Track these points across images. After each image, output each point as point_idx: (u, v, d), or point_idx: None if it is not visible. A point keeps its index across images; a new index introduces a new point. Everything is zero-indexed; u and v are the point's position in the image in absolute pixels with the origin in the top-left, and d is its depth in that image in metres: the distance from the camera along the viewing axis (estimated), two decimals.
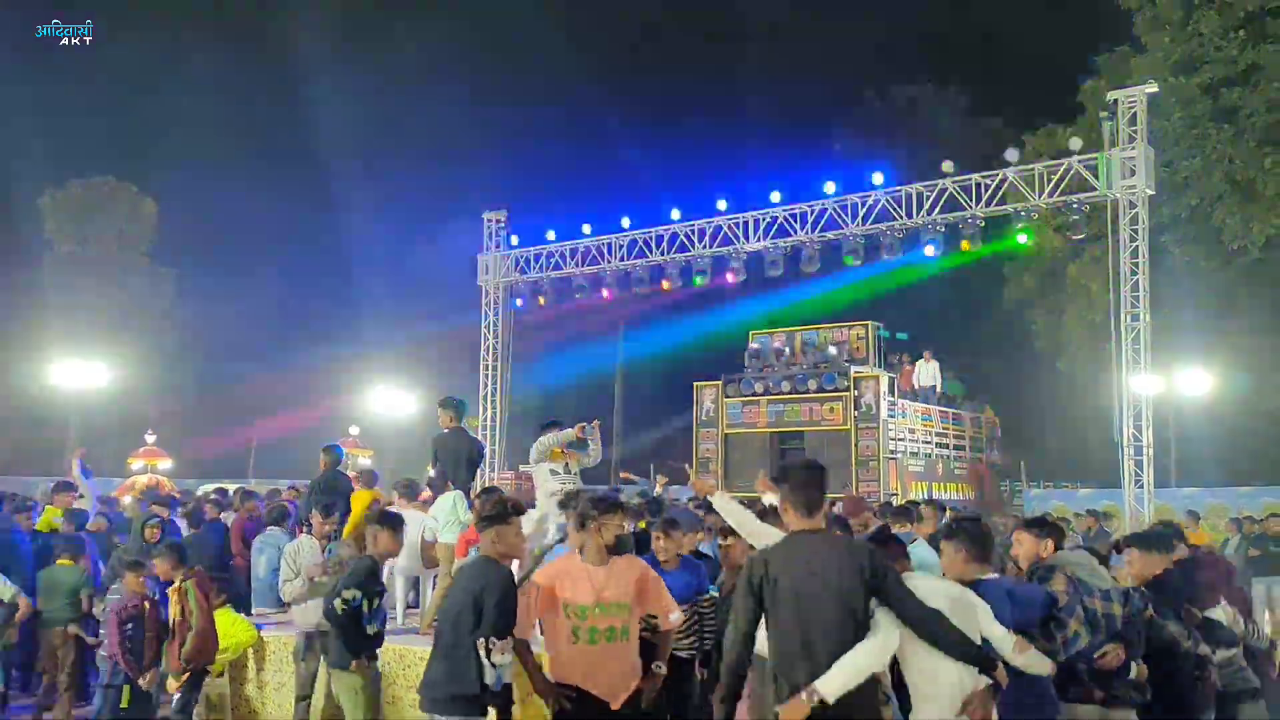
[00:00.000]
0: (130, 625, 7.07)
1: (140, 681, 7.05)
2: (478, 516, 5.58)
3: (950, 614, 4.04)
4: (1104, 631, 4.84)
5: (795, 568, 3.97)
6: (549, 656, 5.14)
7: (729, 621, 4.28)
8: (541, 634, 5.20)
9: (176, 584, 7.07)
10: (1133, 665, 4.94)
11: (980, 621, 4.23)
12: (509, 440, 22.37)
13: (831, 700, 3.75)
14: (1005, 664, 4.18)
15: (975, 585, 4.45)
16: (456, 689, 4.98)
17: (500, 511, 5.29)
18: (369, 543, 6.12)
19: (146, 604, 7.18)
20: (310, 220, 39.15)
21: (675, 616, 5.32)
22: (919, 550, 7.96)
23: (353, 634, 5.82)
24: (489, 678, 4.94)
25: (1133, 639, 4.97)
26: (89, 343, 31.19)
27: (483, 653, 4.91)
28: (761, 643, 4.11)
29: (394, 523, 6.22)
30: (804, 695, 3.77)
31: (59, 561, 8.43)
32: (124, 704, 7.12)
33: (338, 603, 5.72)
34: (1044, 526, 5.37)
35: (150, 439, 24.70)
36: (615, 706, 4.94)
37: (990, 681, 4.05)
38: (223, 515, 12.02)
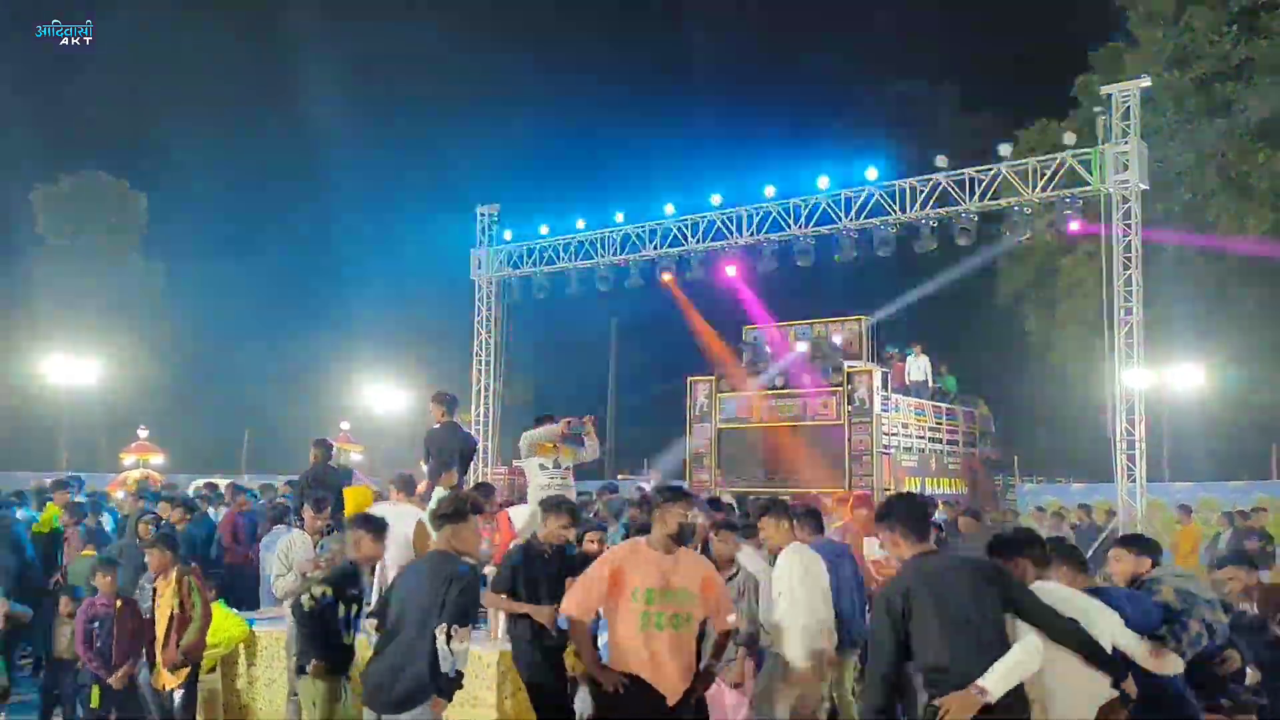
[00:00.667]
0: (96, 624, 7.00)
1: (111, 680, 6.96)
2: (433, 515, 5.46)
3: (1084, 624, 4.22)
4: (1219, 638, 4.95)
5: (931, 589, 4.20)
6: (610, 644, 5.09)
7: (871, 648, 4.45)
8: (601, 617, 5.18)
9: (173, 577, 6.89)
10: (1248, 670, 5.12)
11: (1112, 630, 4.37)
12: (503, 435, 22.33)
13: (994, 699, 3.96)
14: (1135, 672, 4.33)
15: (1093, 593, 4.62)
16: (413, 684, 4.91)
17: (458, 509, 5.27)
18: (350, 546, 5.96)
19: (119, 603, 7.08)
20: (302, 214, 39.11)
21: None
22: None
23: (317, 634, 5.62)
24: (444, 665, 4.88)
25: (1242, 646, 5.17)
26: (80, 337, 31.09)
27: (442, 639, 4.87)
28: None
29: (377, 527, 6.06)
30: (972, 691, 3.97)
31: (84, 553, 8.78)
32: (94, 703, 7.07)
33: (305, 598, 5.56)
34: (1142, 544, 5.40)
35: (143, 434, 24.62)
36: (672, 703, 4.91)
37: (1118, 693, 4.20)
38: (210, 510, 11.99)
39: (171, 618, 6.84)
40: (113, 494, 16.74)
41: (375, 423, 31.44)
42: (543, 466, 8.22)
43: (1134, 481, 15.06)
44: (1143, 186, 15.32)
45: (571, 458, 8.54)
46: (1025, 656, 4.03)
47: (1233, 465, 22.54)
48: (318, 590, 5.58)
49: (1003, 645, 4.06)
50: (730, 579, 6.68)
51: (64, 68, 34.71)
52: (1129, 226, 15.22)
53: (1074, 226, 16.40)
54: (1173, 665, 4.54)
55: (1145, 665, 4.41)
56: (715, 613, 5.18)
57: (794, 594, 6.15)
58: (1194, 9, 22.30)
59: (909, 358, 20.23)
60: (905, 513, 4.47)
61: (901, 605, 4.19)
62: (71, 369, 28.67)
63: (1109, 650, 4.26)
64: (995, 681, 3.96)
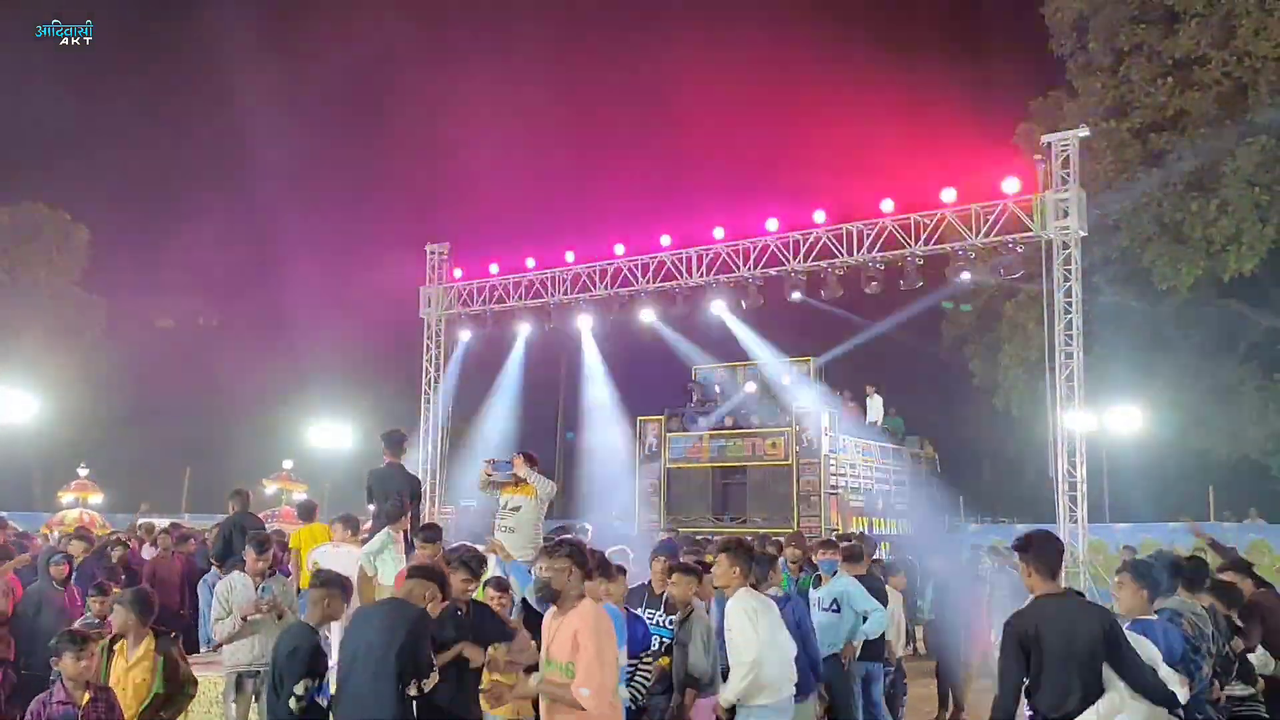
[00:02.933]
0: None
1: None
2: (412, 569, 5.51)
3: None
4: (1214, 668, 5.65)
5: (1055, 626, 4.71)
6: None
7: (1000, 673, 4.88)
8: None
9: (145, 646, 5.89)
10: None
11: (1155, 664, 4.95)
12: (451, 474, 22.13)
13: None
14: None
15: (1137, 624, 5.22)
16: None
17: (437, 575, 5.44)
18: (317, 608, 5.51)
19: (85, 696, 5.33)
20: (246, 249, 38.56)
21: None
22: (842, 581, 8.08)
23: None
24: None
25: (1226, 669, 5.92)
26: (17, 373, 30.33)
27: (413, 691, 4.88)
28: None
29: (346, 588, 5.80)
30: None
31: None
32: None
33: (293, 703, 5.08)
34: (1144, 573, 5.73)
35: (83, 472, 24.02)
36: None
37: None
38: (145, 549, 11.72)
39: (156, 697, 5.83)
40: (47, 535, 16.31)
41: (319, 461, 30.97)
42: (499, 505, 8.34)
43: (1075, 522, 15.29)
44: (1082, 233, 15.69)
45: (520, 494, 8.51)
46: (1111, 705, 4.61)
47: (1171, 506, 22.92)
48: (301, 689, 5.09)
49: (1099, 687, 4.63)
50: (683, 621, 6.65)
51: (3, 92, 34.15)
52: (1069, 272, 15.54)
53: (1011, 273, 16.74)
54: (1184, 696, 5.02)
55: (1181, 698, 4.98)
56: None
57: (757, 640, 5.97)
58: (1131, 61, 22.98)
59: (866, 399, 20.48)
60: (1041, 551, 4.93)
61: (1030, 640, 4.70)
62: (6, 404, 27.95)
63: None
64: None
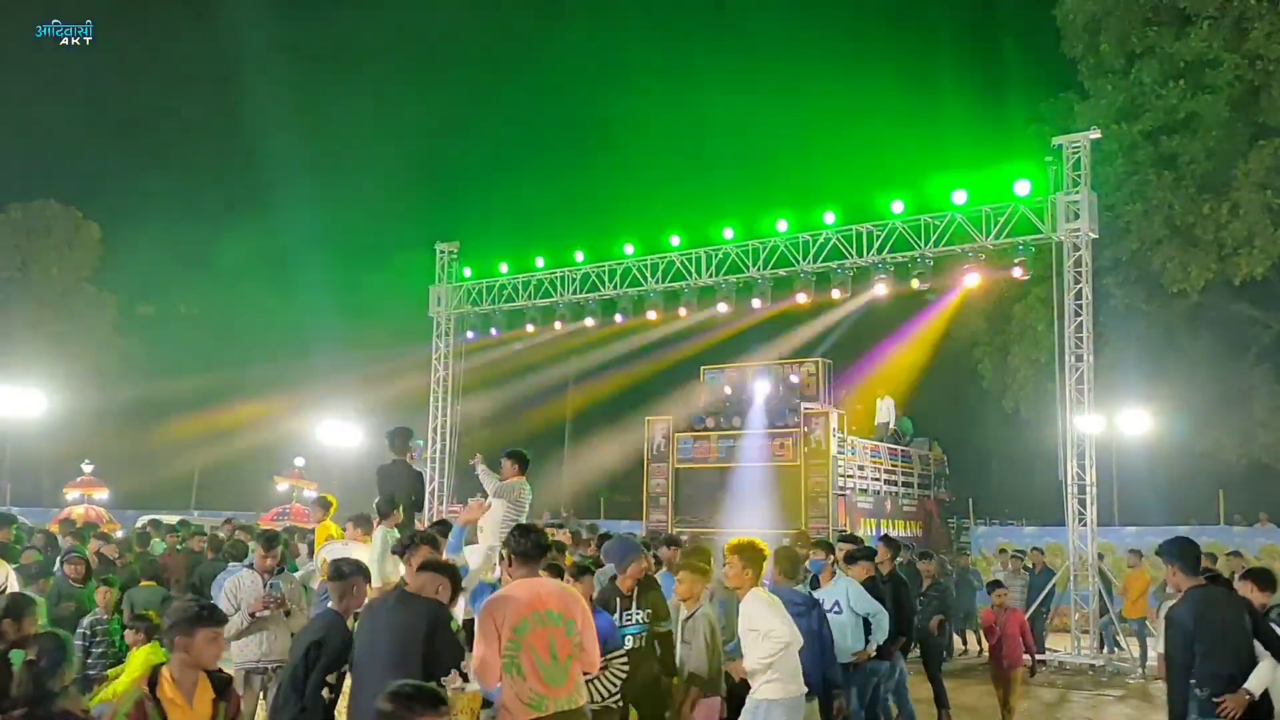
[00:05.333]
0: None
1: None
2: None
3: None
4: None
5: (1214, 613, 5.73)
6: None
7: (1167, 655, 5.86)
8: None
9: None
10: None
11: None
12: (459, 472, 22.14)
13: (1256, 698, 5.59)
14: None
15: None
16: None
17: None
18: (341, 596, 5.45)
19: None
20: (258, 246, 38.68)
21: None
22: (842, 584, 8.04)
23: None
24: None
25: None
26: (26, 369, 30.44)
27: (458, 685, 4.90)
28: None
29: (368, 575, 5.81)
30: (1243, 693, 5.55)
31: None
32: None
33: (326, 693, 5.02)
34: (1266, 577, 6.66)
35: (88, 468, 24.08)
36: None
37: None
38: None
39: None
40: (55, 531, 16.35)
41: (330, 459, 31.04)
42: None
43: (1084, 525, 15.23)
44: (1093, 235, 15.64)
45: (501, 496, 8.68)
46: (1270, 669, 5.64)
47: (1181, 510, 22.86)
48: (332, 679, 5.04)
49: (1252, 658, 5.66)
50: (689, 618, 6.65)
51: (12, 95, 34.35)
52: (1079, 274, 15.50)
53: (1022, 274, 16.71)
54: None
55: None
56: None
57: (770, 636, 5.96)
58: (1142, 63, 22.90)
59: (878, 400, 20.45)
60: (1181, 553, 5.91)
61: (1192, 625, 5.65)
62: (17, 401, 28.05)
63: None
64: (1256, 686, 5.57)
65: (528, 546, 5.02)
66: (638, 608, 6.65)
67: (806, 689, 6.22)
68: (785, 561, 7.08)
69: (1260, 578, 6.62)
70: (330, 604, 5.59)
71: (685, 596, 6.67)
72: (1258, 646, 5.78)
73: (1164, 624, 5.93)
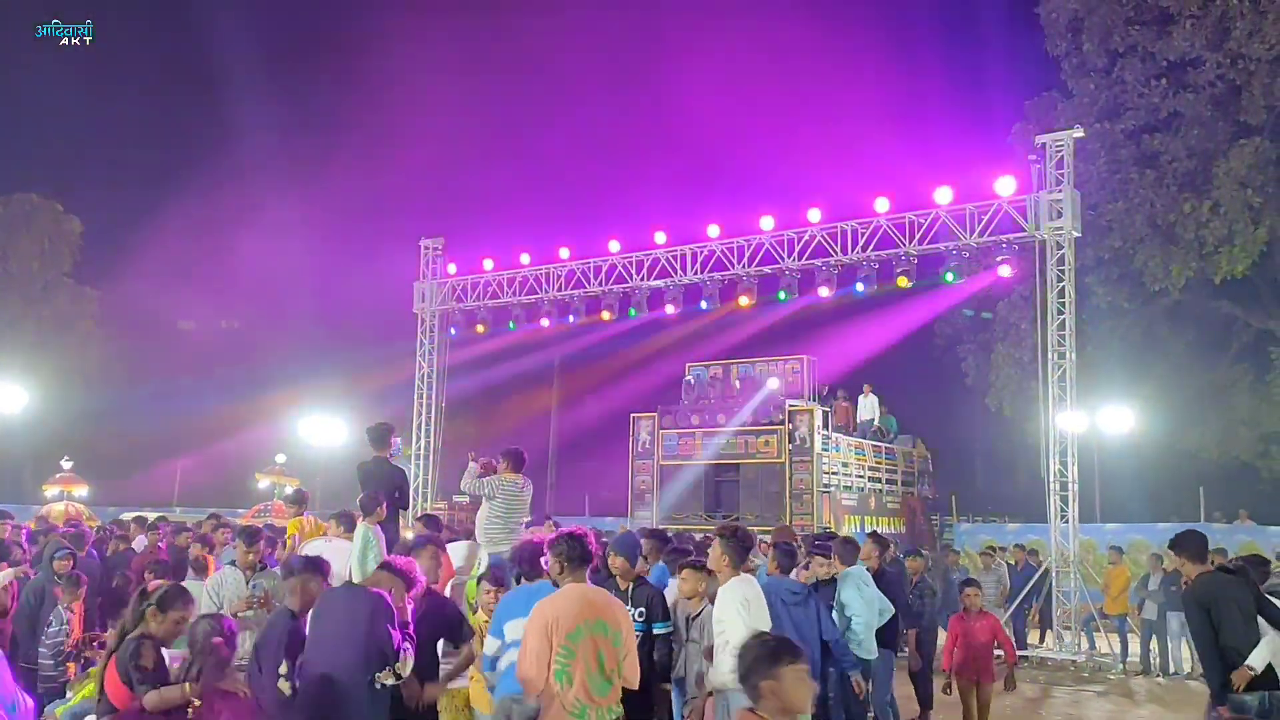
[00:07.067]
0: None
1: None
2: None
3: None
4: None
5: (1224, 593, 6.38)
6: None
7: (1194, 635, 6.64)
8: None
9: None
10: None
11: None
12: (444, 469, 22.09)
13: (1260, 670, 6.14)
14: None
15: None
16: None
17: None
18: (295, 595, 5.40)
19: None
20: (241, 243, 38.46)
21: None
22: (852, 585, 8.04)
23: None
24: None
25: None
26: (6, 364, 30.21)
27: (390, 681, 4.90)
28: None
29: (323, 571, 5.67)
30: (1246, 668, 6.11)
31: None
32: None
33: (283, 684, 4.95)
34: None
35: (67, 465, 23.88)
36: None
37: None
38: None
39: None
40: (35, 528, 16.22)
41: (312, 456, 30.90)
42: None
43: (1067, 522, 15.31)
44: (1075, 234, 15.70)
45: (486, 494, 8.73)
46: (1270, 645, 6.20)
47: (1162, 507, 23.01)
48: (283, 669, 4.99)
49: (1257, 632, 6.24)
50: (695, 616, 6.63)
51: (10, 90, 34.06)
52: (1062, 272, 15.57)
53: (1006, 272, 16.77)
54: None
55: None
56: None
57: (743, 628, 5.79)
58: (1125, 62, 23.04)
59: (860, 398, 20.49)
60: (1189, 544, 6.61)
61: (1209, 604, 6.28)
62: None
63: None
64: (1259, 660, 6.11)
65: (577, 553, 5.04)
66: (632, 605, 6.65)
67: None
68: (780, 554, 7.19)
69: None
70: (287, 601, 5.58)
71: (689, 594, 6.64)
72: (1262, 624, 6.31)
73: (1185, 607, 6.74)
